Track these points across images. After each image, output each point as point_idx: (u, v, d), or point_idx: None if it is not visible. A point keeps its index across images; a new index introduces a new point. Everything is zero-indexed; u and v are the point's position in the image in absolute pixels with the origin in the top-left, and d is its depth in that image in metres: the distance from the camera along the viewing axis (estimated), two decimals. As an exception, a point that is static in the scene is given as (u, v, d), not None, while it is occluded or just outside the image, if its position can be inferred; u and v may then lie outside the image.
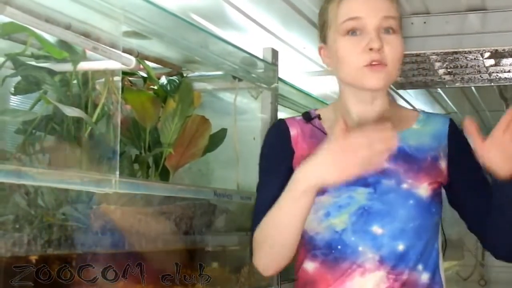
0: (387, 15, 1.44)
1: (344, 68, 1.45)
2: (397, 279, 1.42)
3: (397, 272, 1.42)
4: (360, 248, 1.43)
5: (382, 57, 1.42)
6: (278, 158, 1.51)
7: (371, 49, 1.41)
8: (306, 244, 1.49)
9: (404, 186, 1.45)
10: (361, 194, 1.44)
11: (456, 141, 1.52)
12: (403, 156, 1.47)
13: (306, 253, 1.50)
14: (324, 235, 1.45)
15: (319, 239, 1.46)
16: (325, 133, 1.51)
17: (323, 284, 1.45)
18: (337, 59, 1.46)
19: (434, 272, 1.49)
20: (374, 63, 1.41)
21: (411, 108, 1.63)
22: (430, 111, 4.54)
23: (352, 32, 1.44)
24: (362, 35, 1.43)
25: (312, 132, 1.52)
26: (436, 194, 1.48)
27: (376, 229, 1.43)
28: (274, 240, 1.41)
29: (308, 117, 1.55)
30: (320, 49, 1.54)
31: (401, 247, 1.43)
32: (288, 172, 1.42)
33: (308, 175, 1.34)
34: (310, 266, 1.48)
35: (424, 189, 1.46)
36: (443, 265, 1.58)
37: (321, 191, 1.42)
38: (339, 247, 1.44)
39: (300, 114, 1.58)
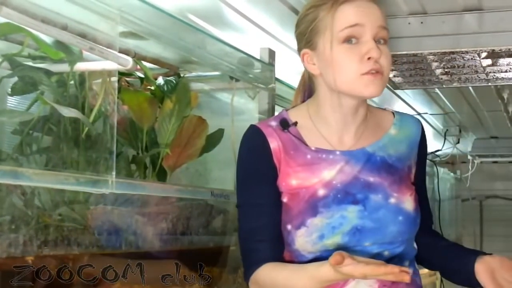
0: (383, 25, 1.46)
1: (341, 75, 1.44)
2: None
3: None
4: None
5: (379, 66, 1.43)
6: (262, 177, 1.49)
7: (369, 58, 1.42)
8: (297, 259, 1.49)
9: (392, 200, 1.48)
10: (352, 213, 1.45)
11: (424, 150, 1.60)
12: (385, 167, 1.51)
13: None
14: (316, 254, 1.46)
15: (311, 257, 1.47)
16: (306, 144, 1.50)
17: None
18: (333, 67, 1.45)
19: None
20: (372, 71, 1.42)
21: (383, 108, 1.64)
22: (429, 111, 4.56)
23: (348, 40, 1.44)
24: (358, 43, 1.44)
25: (292, 142, 1.50)
26: (416, 203, 1.53)
27: (367, 244, 1.47)
28: None
29: (285, 124, 1.52)
30: (304, 54, 1.52)
31: (387, 253, 1.48)
32: (274, 191, 1.48)
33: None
34: None
35: (409, 202, 1.50)
36: None
37: (314, 213, 1.45)
38: None
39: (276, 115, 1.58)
